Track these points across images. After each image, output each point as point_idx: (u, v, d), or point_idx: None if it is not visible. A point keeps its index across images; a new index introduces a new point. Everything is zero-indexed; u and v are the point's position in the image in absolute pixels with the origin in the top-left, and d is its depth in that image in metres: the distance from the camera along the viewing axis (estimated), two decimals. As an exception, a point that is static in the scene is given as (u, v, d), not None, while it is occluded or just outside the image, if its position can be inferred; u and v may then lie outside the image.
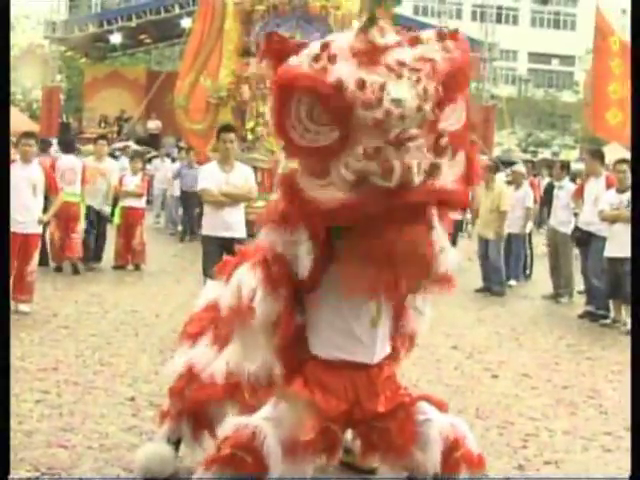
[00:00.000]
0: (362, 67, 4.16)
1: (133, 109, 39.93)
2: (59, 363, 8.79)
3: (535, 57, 77.33)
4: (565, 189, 14.99)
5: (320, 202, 4.24)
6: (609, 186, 13.11)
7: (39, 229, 11.66)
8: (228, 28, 24.43)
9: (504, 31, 59.91)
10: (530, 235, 17.52)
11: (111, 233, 16.48)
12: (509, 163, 22.89)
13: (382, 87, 4.10)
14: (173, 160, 25.88)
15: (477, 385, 8.83)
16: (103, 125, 38.49)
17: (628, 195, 12.26)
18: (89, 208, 15.76)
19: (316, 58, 4.18)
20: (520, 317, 13.07)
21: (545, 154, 45.00)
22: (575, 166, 24.71)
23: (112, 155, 20.97)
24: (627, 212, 12.12)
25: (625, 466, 6.53)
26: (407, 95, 4.12)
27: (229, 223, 10.51)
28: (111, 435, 6.65)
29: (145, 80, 42.39)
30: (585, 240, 13.55)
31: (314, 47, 4.25)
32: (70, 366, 8.72)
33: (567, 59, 76.61)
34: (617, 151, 26.74)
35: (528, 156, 38.63)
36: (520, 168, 17.42)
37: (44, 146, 16.42)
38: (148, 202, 20.29)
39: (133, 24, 38.31)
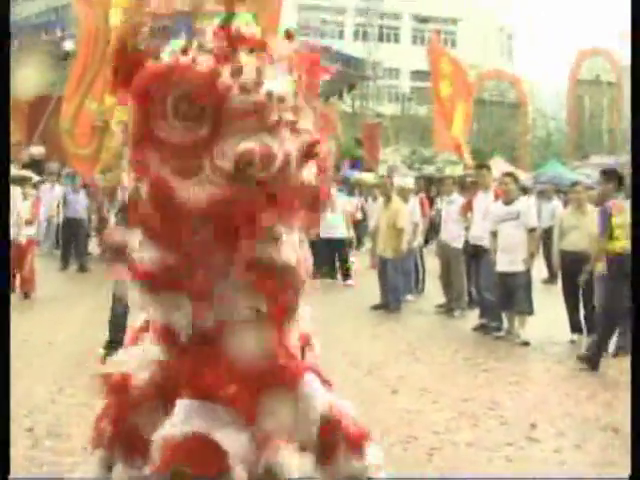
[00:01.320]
0: (230, 56, 4.18)
1: (15, 134, 39.17)
2: (-49, 396, 8.55)
3: (417, 75, 78.18)
4: (455, 203, 15.14)
5: (194, 202, 4.15)
6: (497, 199, 13.30)
7: None
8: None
9: (386, 49, 60.69)
10: (421, 250, 17.67)
11: None
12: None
13: (259, 71, 4.10)
14: (60, 185, 25.50)
15: (378, 401, 8.84)
16: (-16, 151, 37.74)
17: (517, 207, 12.48)
18: None
19: (184, 51, 4.17)
20: (416, 332, 13.14)
21: (430, 170, 45.50)
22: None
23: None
24: (514, 223, 12.35)
25: (528, 475, 6.63)
26: (284, 79, 4.13)
27: None
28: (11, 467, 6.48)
29: (27, 105, 41.70)
30: (476, 254, 13.73)
31: (177, 43, 4.24)
32: (-37, 399, 8.49)
33: (448, 76, 77.81)
34: (500, 165, 27.32)
35: (414, 172, 39.02)
36: (407, 183, 17.56)
37: None
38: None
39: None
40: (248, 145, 4.07)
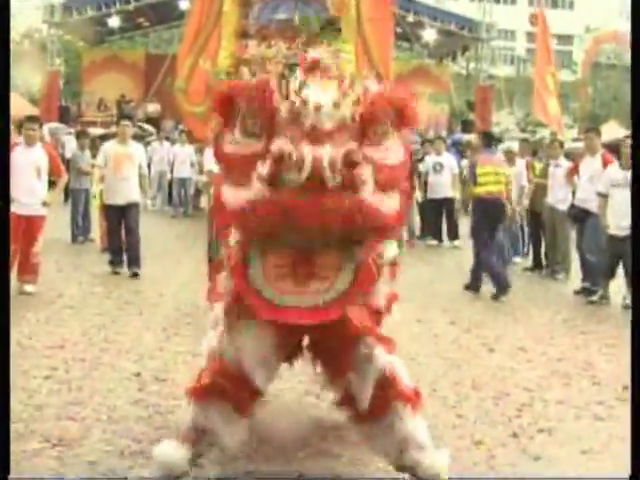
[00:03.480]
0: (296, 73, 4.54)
1: (132, 92, 40.00)
2: (65, 341, 9.00)
3: (533, 37, 77.15)
4: (561, 167, 15.03)
5: (235, 206, 4.55)
6: (605, 164, 13.22)
7: (44, 211, 11.76)
8: (227, 10, 24.52)
9: (502, 11, 59.89)
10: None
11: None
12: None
13: (303, 82, 4.42)
14: (173, 143, 26.01)
15: (473, 358, 9.03)
16: (102, 109, 38.62)
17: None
18: (110, 206, 13.87)
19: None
20: (517, 293, 13.13)
21: (543, 133, 44.95)
22: (572, 145, 24.83)
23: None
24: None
25: (616, 433, 6.75)
26: (326, 91, 4.39)
27: None
28: (118, 408, 6.86)
29: (144, 63, 42.45)
30: (581, 217, 13.71)
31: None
32: (76, 344, 8.93)
33: (565, 38, 76.49)
34: (614, 130, 26.89)
35: (527, 135, 38.60)
36: (512, 147, 17.46)
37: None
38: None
39: (131, 7, 38.24)
40: (279, 144, 4.37)
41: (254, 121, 4.47)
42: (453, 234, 18.91)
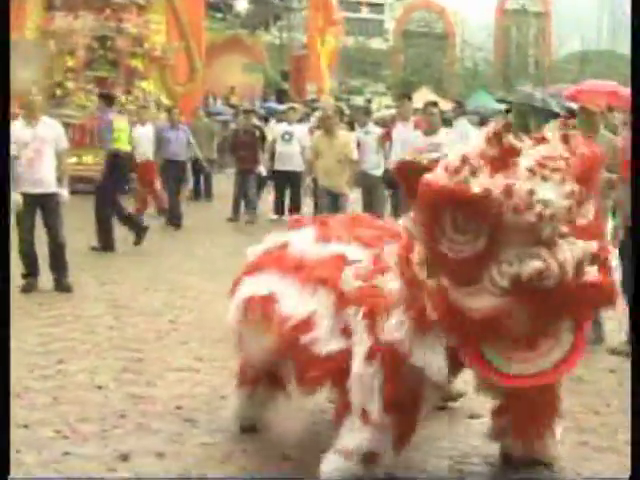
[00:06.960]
0: (500, 172, 4.36)
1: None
2: None
3: (345, 5, 77.69)
4: (371, 134, 15.03)
5: (474, 310, 4.35)
6: (416, 129, 13.39)
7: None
8: (32, -19, 23.84)
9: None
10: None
11: None
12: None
13: (530, 192, 4.27)
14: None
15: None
16: None
17: (439, 137, 12.49)
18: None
19: (456, 171, 4.33)
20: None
21: (358, 101, 45.41)
22: (385, 112, 25.15)
23: None
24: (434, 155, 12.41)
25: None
26: (555, 196, 4.30)
27: (36, 180, 10.24)
28: None
29: None
30: (395, 182, 13.84)
31: (452, 161, 4.41)
32: None
33: (376, 7, 77.53)
34: (428, 96, 27.41)
35: (342, 104, 38.96)
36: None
37: None
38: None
39: None
40: (536, 265, 4.29)
41: (469, 221, 4.32)
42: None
